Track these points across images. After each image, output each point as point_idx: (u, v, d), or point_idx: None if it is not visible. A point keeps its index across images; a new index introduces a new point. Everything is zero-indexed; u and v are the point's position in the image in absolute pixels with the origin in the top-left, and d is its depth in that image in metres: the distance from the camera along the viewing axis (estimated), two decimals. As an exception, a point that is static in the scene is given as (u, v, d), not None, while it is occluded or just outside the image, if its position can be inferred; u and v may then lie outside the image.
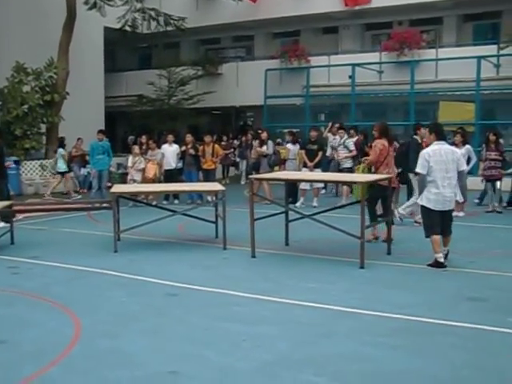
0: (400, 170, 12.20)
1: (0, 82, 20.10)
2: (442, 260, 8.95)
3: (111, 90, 28.27)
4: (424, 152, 9.15)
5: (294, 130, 18.35)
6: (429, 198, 8.99)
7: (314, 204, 15.23)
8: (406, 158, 12.41)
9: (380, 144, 10.79)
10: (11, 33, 21.33)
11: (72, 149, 21.12)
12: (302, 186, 15.35)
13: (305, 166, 15.61)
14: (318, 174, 13.80)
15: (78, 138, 20.95)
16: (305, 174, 14.23)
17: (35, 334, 6.18)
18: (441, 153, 8.97)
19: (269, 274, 8.77)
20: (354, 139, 16.06)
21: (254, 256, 9.69)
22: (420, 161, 9.05)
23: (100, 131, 17.54)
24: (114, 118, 29.57)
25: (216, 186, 11.49)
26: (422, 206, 9.18)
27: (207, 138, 17.00)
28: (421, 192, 9.23)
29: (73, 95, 22.40)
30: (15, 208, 11.74)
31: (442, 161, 8.93)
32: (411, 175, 12.19)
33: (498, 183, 14.17)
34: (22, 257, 9.89)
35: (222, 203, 10.50)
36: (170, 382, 5.03)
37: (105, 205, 11.81)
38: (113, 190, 10.98)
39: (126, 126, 31.07)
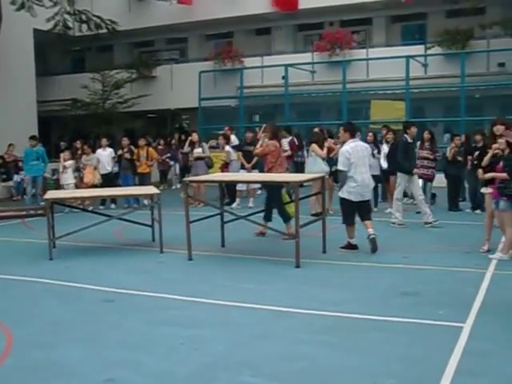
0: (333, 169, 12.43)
1: None
2: (355, 243, 10.03)
3: (44, 94, 27.67)
4: (344, 150, 9.78)
5: (228, 132, 18.33)
6: (350, 191, 9.79)
7: (250, 204, 15.31)
8: (394, 157, 12.85)
9: (272, 145, 11.63)
10: None
11: (4, 155, 20.72)
12: (239, 187, 15.42)
13: (242, 167, 15.69)
14: (254, 175, 13.89)
15: (10, 144, 20.53)
16: (242, 175, 14.31)
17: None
18: (357, 149, 9.82)
19: (205, 276, 8.81)
20: (289, 139, 16.19)
21: (190, 259, 9.69)
22: (341, 158, 9.75)
23: (32, 137, 17.22)
24: (49, 123, 29.01)
25: (151, 190, 11.42)
26: (343, 199, 9.94)
27: (141, 142, 16.92)
28: (342, 186, 9.89)
29: (2, 100, 21.95)
30: None
31: (360, 156, 9.78)
32: (399, 174, 12.54)
33: (429, 183, 14.27)
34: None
35: (158, 206, 10.45)
36: (105, 390, 4.99)
37: (39, 211, 11.59)
38: (47, 195, 10.80)
39: (61, 131, 30.52)
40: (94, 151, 16.90)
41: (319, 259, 9.55)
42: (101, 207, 16.01)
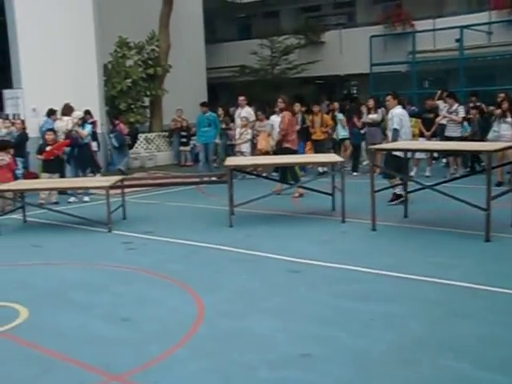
0: None
1: (104, 58, 20.24)
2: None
3: (212, 61, 28.15)
4: (398, 113, 11.32)
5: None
6: None
7: (427, 174, 14.66)
8: None
9: (288, 115, 12.96)
10: (113, 8, 21.38)
11: (171, 122, 21.25)
12: (417, 155, 14.78)
13: (421, 135, 15.07)
14: (440, 144, 13.13)
15: (178, 109, 21.03)
16: (424, 143, 13.66)
17: (157, 312, 6.04)
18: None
19: (389, 248, 8.40)
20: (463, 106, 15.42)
21: (374, 229, 9.27)
22: (396, 119, 11.24)
23: (203, 104, 17.39)
24: (216, 89, 29.49)
25: (333, 157, 11.10)
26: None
27: (315, 108, 16.59)
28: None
29: (175, 68, 22.44)
30: (127, 183, 11.72)
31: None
32: None
33: None
34: (136, 232, 9.84)
35: (341, 174, 10.09)
36: (303, 365, 4.73)
37: (219, 178, 11.58)
38: (227, 162, 10.74)
39: (228, 97, 30.95)
40: (267, 117, 16.76)
41: (509, 233, 8.82)
42: (274, 174, 15.91)
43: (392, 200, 11.23)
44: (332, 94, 28.62)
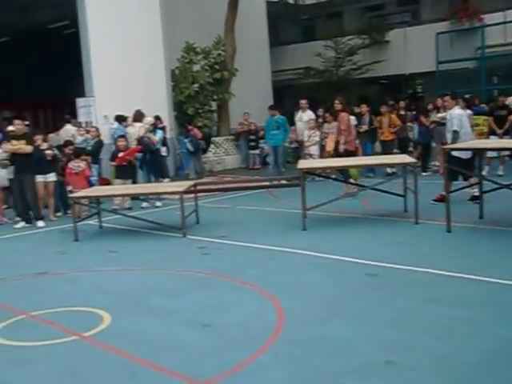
0: None
1: (172, 64, 20.51)
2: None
3: (277, 64, 28.17)
4: (457, 113, 11.30)
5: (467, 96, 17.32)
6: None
7: (500, 173, 14.32)
8: None
9: (346, 116, 13.14)
10: (180, 14, 21.68)
11: (237, 125, 21.36)
12: (489, 154, 14.44)
13: (493, 133, 14.74)
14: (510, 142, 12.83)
15: (245, 112, 21.12)
16: (497, 141, 13.37)
17: (237, 318, 6.03)
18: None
19: (468, 249, 8.23)
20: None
21: (449, 230, 9.07)
22: (456, 121, 11.18)
23: (272, 106, 17.41)
24: (280, 93, 29.50)
25: (406, 158, 10.95)
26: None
27: (383, 109, 16.43)
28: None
29: (240, 71, 22.54)
30: (199, 187, 11.79)
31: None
32: None
33: None
34: (210, 237, 9.89)
35: (414, 175, 9.95)
36: (390, 373, 4.63)
37: (292, 181, 11.54)
38: (300, 165, 10.69)
39: (293, 100, 30.91)
40: (335, 119, 16.66)
41: None
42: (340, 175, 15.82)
43: (438, 199, 10.99)
44: (397, 94, 28.30)
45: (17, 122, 11.87)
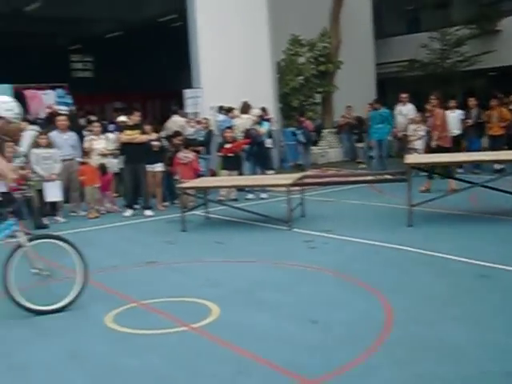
0: None
1: (277, 55, 20.61)
2: None
3: (381, 56, 27.77)
4: None
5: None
6: None
7: None
8: None
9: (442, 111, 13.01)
10: (286, 6, 21.75)
11: (340, 118, 21.21)
12: None
13: None
14: None
15: (347, 106, 20.96)
16: None
17: (345, 315, 5.98)
18: None
19: None
20: None
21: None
22: None
23: (376, 100, 17.28)
24: (384, 85, 29.07)
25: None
26: None
27: (493, 102, 15.95)
28: None
29: (344, 64, 22.41)
30: (306, 180, 11.79)
31: None
32: None
33: None
34: (316, 230, 9.89)
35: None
36: (507, 384, 4.45)
37: (399, 176, 11.35)
38: (407, 160, 10.50)
39: (396, 93, 30.39)
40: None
41: None
42: (459, 170, 15.38)
43: None
44: (508, 87, 27.31)
45: (136, 113, 12.27)
